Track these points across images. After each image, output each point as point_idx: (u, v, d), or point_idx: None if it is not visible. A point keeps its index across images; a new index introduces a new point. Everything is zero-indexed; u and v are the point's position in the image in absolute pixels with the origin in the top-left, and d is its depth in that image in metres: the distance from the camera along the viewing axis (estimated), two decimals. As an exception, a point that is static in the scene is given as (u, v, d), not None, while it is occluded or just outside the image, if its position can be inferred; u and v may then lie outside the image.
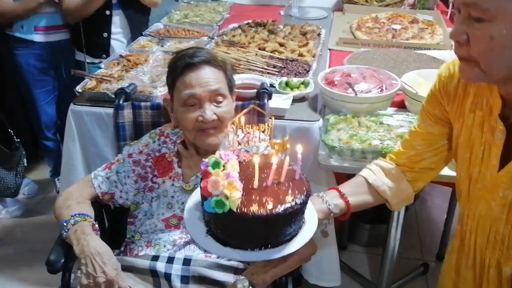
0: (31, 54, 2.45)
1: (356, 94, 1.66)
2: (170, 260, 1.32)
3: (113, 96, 1.70)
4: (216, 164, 1.03)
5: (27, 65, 2.47)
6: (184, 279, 1.30)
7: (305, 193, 1.03)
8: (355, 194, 1.20)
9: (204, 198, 1.00)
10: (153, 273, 1.31)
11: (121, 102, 1.65)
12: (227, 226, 1.01)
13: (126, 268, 1.32)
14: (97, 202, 1.50)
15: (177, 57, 1.43)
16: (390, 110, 1.72)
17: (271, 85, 1.87)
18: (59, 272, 1.34)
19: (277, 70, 2.04)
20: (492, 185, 0.97)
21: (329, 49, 2.40)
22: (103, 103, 1.82)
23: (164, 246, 1.39)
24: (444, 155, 1.15)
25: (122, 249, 1.47)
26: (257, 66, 2.06)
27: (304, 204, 1.03)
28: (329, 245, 1.82)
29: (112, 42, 2.48)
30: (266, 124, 1.23)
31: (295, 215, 1.02)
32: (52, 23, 2.42)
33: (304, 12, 2.98)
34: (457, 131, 1.06)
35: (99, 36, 2.43)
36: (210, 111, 1.37)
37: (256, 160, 1.02)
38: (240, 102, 1.61)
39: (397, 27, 2.60)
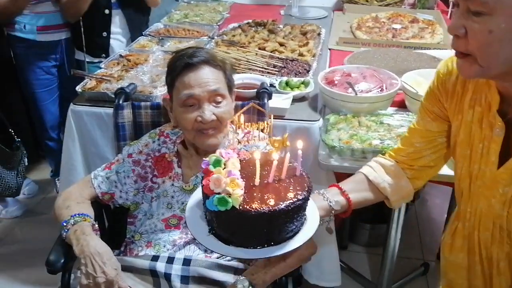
0: (34, 54, 2.45)
1: (356, 94, 1.66)
2: (170, 260, 1.32)
3: (113, 96, 1.70)
4: (217, 162, 1.04)
5: (29, 65, 2.47)
6: (184, 279, 1.30)
7: (306, 189, 1.03)
8: (355, 191, 1.20)
9: (206, 196, 1.00)
10: (153, 273, 1.31)
11: (121, 102, 1.65)
12: (229, 224, 1.01)
13: (126, 268, 1.32)
14: (97, 202, 1.50)
15: (176, 57, 1.43)
16: (390, 109, 1.72)
17: (271, 85, 1.87)
18: (59, 272, 1.34)
19: (277, 69, 2.03)
20: (492, 182, 0.97)
21: (329, 49, 2.40)
22: (103, 103, 1.82)
23: (164, 246, 1.39)
24: (443, 152, 1.15)
25: (122, 249, 1.47)
26: (257, 66, 2.06)
27: (305, 200, 1.03)
28: (329, 245, 1.81)
29: (112, 42, 2.48)
30: (265, 122, 1.23)
31: (297, 211, 1.02)
32: (53, 22, 2.42)
33: (304, 11, 2.98)
34: (455, 128, 1.05)
35: (99, 35, 2.43)
36: (209, 112, 1.37)
37: (257, 157, 1.02)
38: (240, 102, 1.60)
39: (397, 26, 2.60)
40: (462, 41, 0.85)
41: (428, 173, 1.20)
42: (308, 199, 1.05)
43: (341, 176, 1.71)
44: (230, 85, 1.45)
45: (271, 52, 2.19)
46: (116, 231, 1.58)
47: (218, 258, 1.34)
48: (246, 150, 1.24)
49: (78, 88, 1.88)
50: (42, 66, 2.50)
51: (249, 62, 2.07)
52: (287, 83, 1.90)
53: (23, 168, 2.28)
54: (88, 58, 2.47)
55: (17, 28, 2.38)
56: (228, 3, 3.10)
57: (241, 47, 2.23)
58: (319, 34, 2.49)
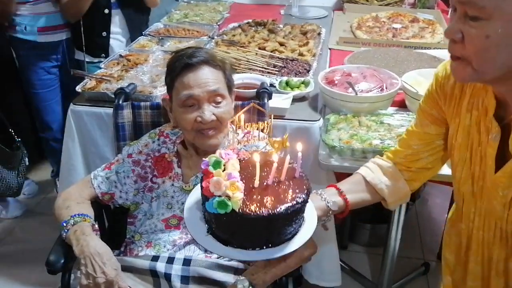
0: (35, 55, 2.46)
1: (356, 94, 1.66)
2: (170, 260, 1.32)
3: (113, 96, 1.70)
4: (217, 164, 1.03)
5: (31, 65, 2.48)
6: (184, 279, 1.29)
7: (305, 191, 1.03)
8: (353, 191, 1.20)
9: (205, 198, 1.00)
10: (153, 273, 1.31)
11: (120, 102, 1.65)
12: (228, 226, 1.01)
13: (126, 269, 1.32)
14: (97, 203, 1.50)
15: (176, 57, 1.42)
16: (391, 109, 1.71)
17: (271, 85, 1.87)
18: (59, 273, 1.34)
19: (277, 69, 2.03)
20: (492, 185, 0.97)
21: (330, 49, 2.40)
22: (103, 103, 1.82)
23: (164, 246, 1.39)
24: (441, 155, 1.15)
25: (122, 249, 1.47)
26: (257, 66, 2.05)
27: (304, 203, 1.03)
28: (329, 245, 1.81)
29: (112, 42, 2.48)
30: (265, 122, 1.23)
31: (296, 214, 1.02)
32: (53, 23, 2.42)
33: (304, 11, 2.98)
34: (453, 131, 1.05)
35: (99, 35, 2.43)
36: (209, 112, 1.37)
37: (257, 158, 1.02)
38: (240, 102, 1.60)
39: (398, 26, 2.60)
40: (459, 46, 0.85)
41: (425, 175, 1.20)
42: (307, 202, 1.05)
43: (341, 176, 1.71)
44: (229, 85, 1.45)
45: (271, 52, 2.19)
46: (116, 231, 1.58)
47: (218, 258, 1.34)
48: (246, 150, 1.24)
49: (78, 88, 1.88)
50: (43, 67, 2.51)
51: (249, 62, 2.07)
52: (287, 83, 1.90)
53: (23, 168, 2.29)
54: (88, 58, 2.47)
55: (18, 29, 2.38)
56: (228, 2, 3.10)
57: (241, 47, 2.23)
58: (319, 34, 2.49)
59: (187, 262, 1.32)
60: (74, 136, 1.85)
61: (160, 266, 1.31)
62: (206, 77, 1.38)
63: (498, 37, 0.80)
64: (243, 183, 1.01)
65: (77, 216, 1.35)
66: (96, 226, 1.37)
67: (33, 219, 2.72)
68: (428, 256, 2.44)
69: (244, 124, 1.16)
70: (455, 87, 1.02)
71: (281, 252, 1.03)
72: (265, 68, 2.04)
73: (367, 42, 2.40)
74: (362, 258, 2.44)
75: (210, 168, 1.03)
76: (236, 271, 1.32)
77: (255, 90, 1.74)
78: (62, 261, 1.33)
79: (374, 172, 1.20)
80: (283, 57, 2.14)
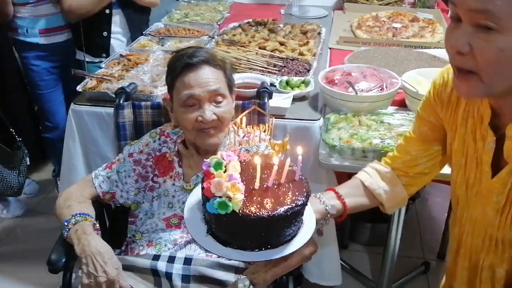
0: (38, 56, 2.47)
1: (356, 93, 1.66)
2: (171, 259, 1.33)
3: (114, 95, 1.70)
4: (218, 165, 1.04)
5: (35, 67, 2.49)
6: (185, 278, 1.30)
7: (305, 194, 1.04)
8: (351, 195, 1.21)
9: (206, 198, 1.01)
10: (154, 272, 1.32)
11: (121, 101, 1.65)
12: (228, 227, 1.02)
13: (127, 268, 1.32)
14: (98, 202, 1.51)
15: (176, 57, 1.43)
16: (391, 109, 1.72)
17: (272, 84, 1.87)
18: (60, 272, 1.34)
19: (277, 69, 2.04)
20: (487, 191, 0.97)
21: (330, 48, 2.40)
22: (104, 102, 1.82)
23: (165, 245, 1.39)
24: (438, 160, 1.16)
25: (123, 248, 1.47)
26: (257, 65, 2.06)
27: (304, 205, 1.04)
28: (329, 244, 1.82)
29: (112, 41, 2.48)
30: (267, 124, 1.23)
31: (295, 216, 1.03)
32: (54, 25, 2.43)
33: (305, 11, 2.98)
34: (450, 138, 1.06)
35: (99, 35, 2.43)
36: (209, 111, 1.37)
37: (257, 161, 1.02)
38: (240, 102, 1.61)
39: (398, 25, 2.60)
40: (467, 58, 0.81)
41: (423, 180, 1.21)
42: (306, 205, 1.06)
43: (341, 175, 1.71)
44: (230, 84, 1.45)
45: (271, 51, 2.19)
46: (117, 231, 1.58)
47: (219, 257, 1.34)
48: (247, 150, 1.24)
49: (79, 88, 1.88)
50: (46, 67, 2.52)
51: (250, 61, 2.08)
52: (287, 83, 1.90)
53: (24, 167, 2.29)
54: (89, 58, 2.47)
55: (20, 32, 2.40)
56: (228, 2, 3.10)
57: (241, 46, 2.23)
58: (319, 33, 2.49)
59: (188, 261, 1.32)
60: (75, 136, 1.85)
61: (161, 265, 1.31)
62: (207, 77, 1.38)
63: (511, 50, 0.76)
64: (244, 184, 1.02)
65: (78, 215, 1.35)
66: (97, 225, 1.37)
67: (34, 218, 2.72)
68: (428, 255, 2.44)
69: (246, 127, 1.17)
70: (451, 94, 1.02)
71: (280, 254, 1.04)
72: (265, 68, 2.04)
73: (367, 42, 2.40)
74: (362, 257, 2.44)
75: (211, 169, 1.04)
76: (237, 270, 1.33)
77: (256, 89, 1.74)
78: (63, 260, 1.33)
79: (372, 177, 1.21)
80: (283, 56, 2.14)
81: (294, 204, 1.01)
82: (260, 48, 2.23)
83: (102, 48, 2.46)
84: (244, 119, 1.20)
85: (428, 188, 2.86)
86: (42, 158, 3.05)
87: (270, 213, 0.98)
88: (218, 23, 2.68)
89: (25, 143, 2.29)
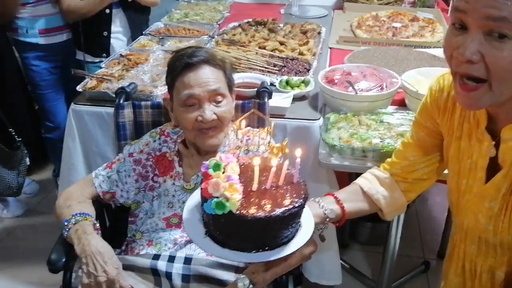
0: (38, 57, 2.47)
1: (356, 93, 1.66)
2: (171, 259, 1.33)
3: (114, 95, 1.70)
4: (216, 167, 1.05)
5: (35, 67, 2.49)
6: (185, 278, 1.30)
7: (302, 196, 1.05)
8: (350, 201, 1.21)
9: (204, 199, 1.01)
10: (154, 272, 1.32)
11: (121, 101, 1.65)
12: (226, 227, 1.02)
13: (127, 267, 1.33)
14: (98, 201, 1.51)
15: (176, 57, 1.43)
16: (391, 108, 1.72)
17: (272, 84, 1.87)
18: (60, 272, 1.34)
19: (277, 68, 2.04)
20: (479, 197, 0.97)
21: (330, 48, 2.40)
22: (104, 102, 1.82)
23: (165, 245, 1.39)
24: (436, 166, 1.17)
25: (123, 248, 1.47)
26: (257, 65, 2.06)
27: (301, 207, 1.04)
28: (329, 243, 1.82)
29: (112, 41, 2.48)
30: (266, 128, 1.24)
31: (292, 218, 1.03)
32: (53, 25, 2.43)
33: (304, 10, 2.98)
34: (447, 144, 1.07)
35: (99, 35, 2.43)
36: (209, 111, 1.37)
37: (256, 162, 1.03)
38: (240, 101, 1.61)
39: (398, 25, 2.60)
40: (477, 67, 0.79)
41: (421, 185, 1.21)
42: (304, 207, 1.06)
43: (341, 175, 1.71)
44: (230, 84, 1.45)
45: (271, 51, 2.19)
46: (117, 230, 1.58)
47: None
48: (248, 151, 1.25)
49: (79, 88, 1.88)
50: (47, 67, 2.52)
51: (250, 61, 2.08)
52: (287, 82, 1.90)
53: (24, 168, 2.28)
54: (89, 58, 2.48)
55: (20, 32, 2.40)
56: (228, 2, 3.10)
57: (241, 46, 2.24)
58: (319, 33, 2.49)
59: (188, 260, 1.32)
60: (75, 136, 1.85)
61: (161, 265, 1.31)
62: (207, 77, 1.38)
63: None
64: (242, 186, 1.03)
65: (78, 215, 1.35)
66: (97, 225, 1.37)
67: (34, 218, 2.72)
68: (428, 255, 2.44)
69: (247, 131, 1.17)
70: (448, 100, 1.03)
71: (277, 255, 1.05)
72: (265, 67, 2.04)
73: (367, 41, 2.40)
74: (362, 257, 2.44)
75: (210, 171, 1.04)
76: (237, 269, 1.33)
77: (256, 89, 1.74)
78: (64, 260, 1.33)
79: (371, 182, 1.22)
80: (283, 56, 2.15)
81: (291, 206, 1.01)
82: (260, 47, 2.23)
83: (102, 48, 2.46)
84: (243, 123, 1.21)
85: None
86: (42, 158, 3.05)
87: (267, 214, 0.98)
88: (218, 22, 2.68)
89: (25, 143, 2.29)
